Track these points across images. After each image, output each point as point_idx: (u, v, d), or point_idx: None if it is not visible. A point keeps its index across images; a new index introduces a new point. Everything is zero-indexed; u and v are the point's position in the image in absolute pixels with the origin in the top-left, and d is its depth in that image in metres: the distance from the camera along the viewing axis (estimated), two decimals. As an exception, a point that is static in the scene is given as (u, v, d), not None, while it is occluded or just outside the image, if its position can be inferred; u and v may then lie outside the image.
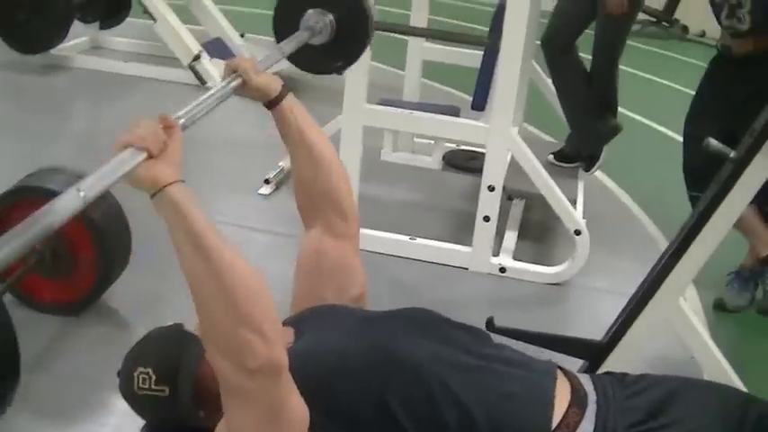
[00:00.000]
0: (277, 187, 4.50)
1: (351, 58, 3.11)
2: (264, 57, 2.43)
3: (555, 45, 4.24)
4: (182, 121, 1.76)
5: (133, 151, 1.56)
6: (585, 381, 1.83)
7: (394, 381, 1.69)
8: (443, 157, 4.43)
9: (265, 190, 4.44)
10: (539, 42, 4.34)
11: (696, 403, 1.76)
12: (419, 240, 3.87)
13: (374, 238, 3.87)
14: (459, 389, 1.69)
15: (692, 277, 2.39)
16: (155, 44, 6.61)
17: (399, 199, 4.58)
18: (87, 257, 3.15)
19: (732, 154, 2.26)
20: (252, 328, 1.54)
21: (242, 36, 6.78)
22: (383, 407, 1.67)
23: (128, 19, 6.89)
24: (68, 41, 6.62)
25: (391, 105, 3.95)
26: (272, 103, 2.09)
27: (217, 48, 6.45)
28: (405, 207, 4.48)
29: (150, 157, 1.57)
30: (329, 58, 3.02)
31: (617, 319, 2.46)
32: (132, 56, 6.78)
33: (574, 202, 3.94)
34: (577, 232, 3.64)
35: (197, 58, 6.14)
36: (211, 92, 2.02)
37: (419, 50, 4.81)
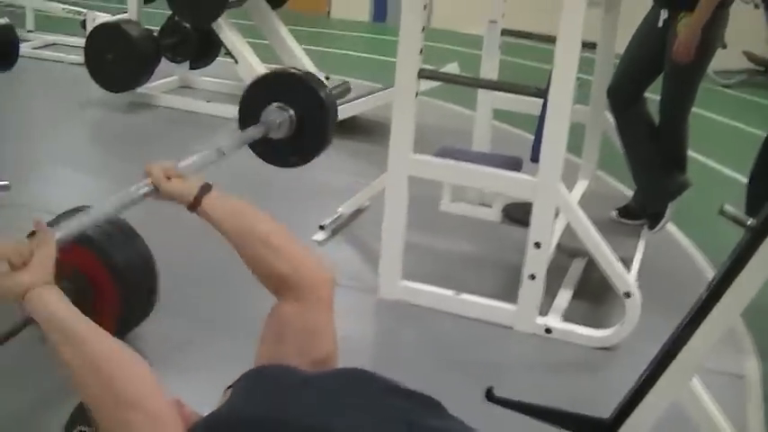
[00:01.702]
0: (332, 234, 4.43)
1: (307, 155, 3.15)
2: (201, 155, 2.47)
3: (620, 96, 4.07)
4: (59, 234, 1.92)
5: None
6: None
7: None
8: (503, 210, 4.27)
9: (320, 236, 4.37)
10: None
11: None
12: (464, 296, 3.73)
13: (418, 291, 3.77)
14: None
15: (705, 356, 2.19)
16: (240, 84, 6.63)
17: (451, 251, 4.45)
18: (109, 299, 3.13)
19: (750, 221, 2.07)
20: (135, 408, 1.51)
21: (327, 78, 6.74)
22: None
23: (218, 59, 6.97)
24: (159, 80, 6.74)
25: (449, 156, 3.83)
26: (190, 207, 2.08)
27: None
28: (455, 260, 4.35)
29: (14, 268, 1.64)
30: (287, 152, 3.04)
31: (625, 396, 2.28)
32: (217, 95, 6.84)
33: (631, 261, 3.75)
34: (627, 294, 3.45)
35: (276, 100, 6.12)
36: (117, 197, 2.09)
37: (489, 98, 4.69)
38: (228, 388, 1.90)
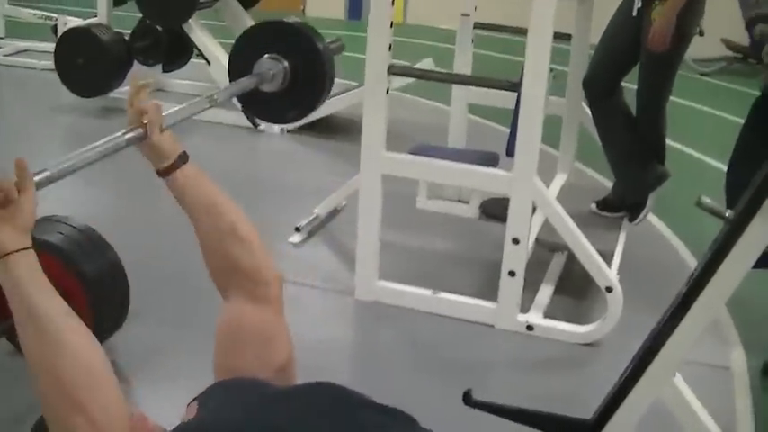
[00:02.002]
0: (308, 236, 4.35)
1: (305, 108, 2.97)
2: (192, 103, 2.30)
3: (595, 86, 3.99)
4: (45, 174, 1.78)
5: None
6: None
7: None
8: (481, 206, 4.20)
9: (296, 238, 4.29)
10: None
11: None
12: (443, 295, 3.66)
13: (395, 291, 3.71)
14: None
15: (688, 351, 2.12)
16: (214, 86, 6.55)
17: (429, 249, 4.38)
18: (80, 310, 3.03)
19: (728, 213, 2.00)
20: (78, 410, 1.46)
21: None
22: None
23: (192, 61, 6.89)
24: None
25: (424, 153, 3.75)
26: (165, 171, 1.95)
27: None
28: (433, 258, 4.28)
29: None
30: (282, 107, 2.89)
31: (607, 395, 2.22)
32: (190, 98, 6.69)
33: (611, 255, 3.69)
34: (608, 289, 3.39)
35: (250, 100, 6.04)
36: (102, 141, 1.92)
37: (463, 93, 4.63)
38: (193, 401, 1.83)
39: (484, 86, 4.08)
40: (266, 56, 2.95)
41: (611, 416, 2.17)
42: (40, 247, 2.98)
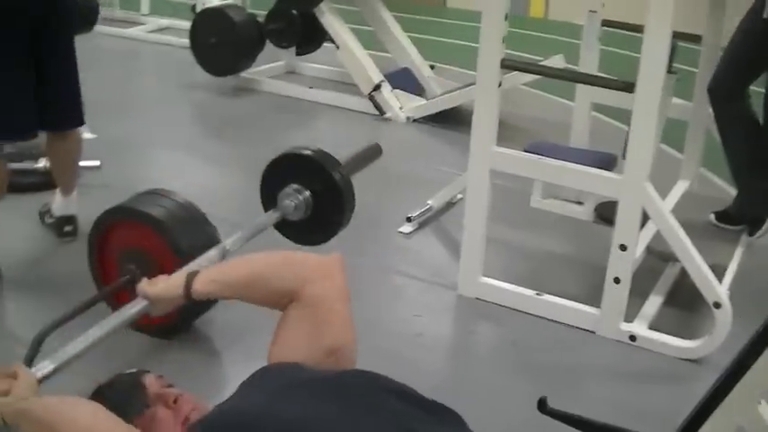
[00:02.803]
0: (419, 227, 4.32)
1: (328, 233, 3.13)
2: (204, 257, 2.69)
3: (720, 91, 3.83)
4: (43, 371, 2.10)
5: None
6: None
7: None
8: (596, 209, 4.08)
9: (406, 228, 4.26)
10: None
11: None
12: (546, 297, 3.57)
13: (497, 289, 3.64)
14: None
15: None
16: (343, 71, 6.58)
17: (537, 249, 4.28)
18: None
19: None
20: None
21: (432, 68, 6.63)
22: None
23: (325, 45, 6.92)
24: (265, 65, 6.74)
25: (539, 151, 3.66)
26: (187, 297, 2.20)
27: (401, 78, 6.34)
28: (541, 258, 4.18)
29: None
30: (309, 232, 3.05)
31: (687, 417, 2.11)
32: (320, 82, 6.79)
33: (724, 270, 3.53)
34: (717, 305, 3.23)
35: (377, 88, 6.06)
36: (104, 322, 2.34)
37: (587, 92, 4.49)
38: (242, 384, 1.94)
39: (597, 85, 3.94)
40: (291, 186, 3.16)
41: (691, 437, 2.06)
42: (141, 219, 3.08)
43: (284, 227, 3.17)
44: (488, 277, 3.68)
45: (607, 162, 3.79)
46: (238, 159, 5.21)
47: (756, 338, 1.95)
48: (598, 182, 3.39)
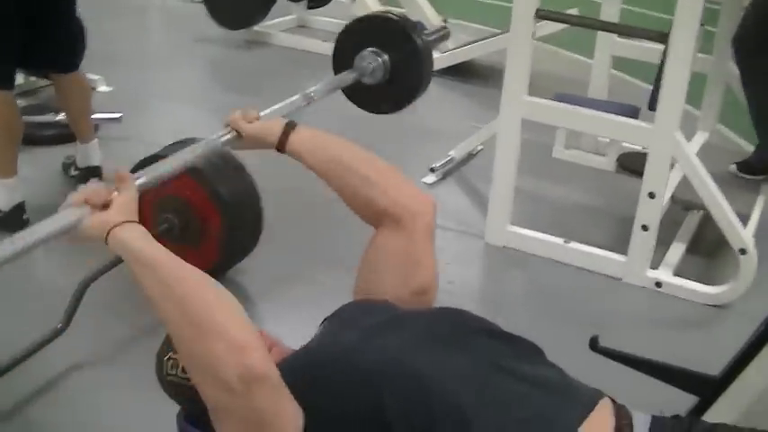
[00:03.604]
0: (443, 177, 4.38)
1: (400, 102, 3.09)
2: (288, 102, 2.42)
3: (746, 45, 3.88)
4: (140, 180, 1.85)
5: (73, 209, 1.66)
6: (641, 422, 1.59)
7: (397, 389, 1.52)
8: (618, 159, 4.15)
9: (430, 179, 4.32)
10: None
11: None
12: (573, 244, 3.65)
13: (525, 237, 3.72)
14: (465, 405, 1.50)
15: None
16: (356, 25, 6.59)
17: (562, 199, 4.36)
18: (214, 230, 3.14)
19: None
20: (215, 337, 1.48)
21: (445, 21, 6.64)
22: (379, 413, 1.51)
23: (335, -2, 6.94)
24: (276, 19, 6.75)
25: (564, 101, 3.72)
26: (279, 147, 2.03)
27: (415, 32, 6.35)
28: (566, 208, 4.26)
29: (96, 210, 1.66)
30: (381, 98, 3.01)
31: (737, 353, 2.18)
32: (331, 35, 6.75)
33: (748, 218, 3.61)
34: (743, 251, 3.32)
35: (392, 41, 6.06)
36: (194, 146, 2.11)
37: (608, 44, 4.55)
38: (324, 321, 1.89)
39: (634, 36, 4.02)
40: (368, 50, 3.02)
41: (738, 374, 2.14)
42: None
43: (357, 91, 3.07)
44: (516, 226, 3.74)
45: (632, 113, 3.85)
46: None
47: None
48: (629, 130, 3.46)
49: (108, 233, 1.62)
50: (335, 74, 3.03)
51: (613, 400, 1.62)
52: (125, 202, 1.68)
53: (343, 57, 3.05)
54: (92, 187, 1.69)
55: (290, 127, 2.02)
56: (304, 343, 1.77)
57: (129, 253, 1.60)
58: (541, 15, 3.41)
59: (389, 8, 6.23)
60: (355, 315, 1.81)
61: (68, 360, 2.82)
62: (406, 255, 1.93)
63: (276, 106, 2.37)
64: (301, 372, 1.61)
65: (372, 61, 3.00)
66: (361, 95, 3.06)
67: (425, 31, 3.39)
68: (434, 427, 1.49)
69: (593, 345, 2.26)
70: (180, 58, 6.27)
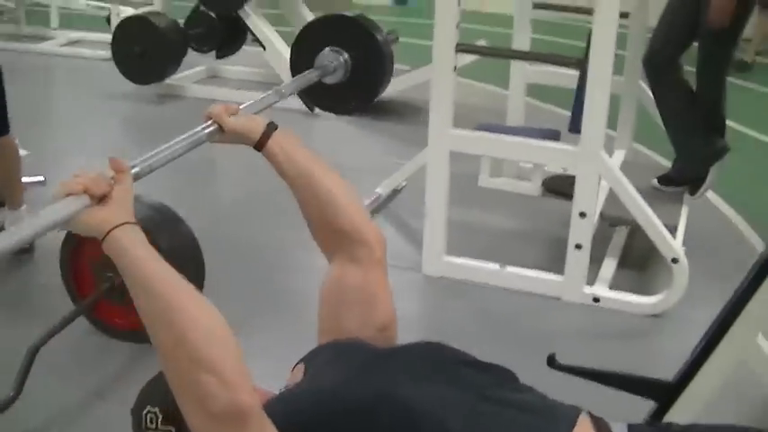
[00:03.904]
0: (372, 214, 4.42)
1: (365, 99, 3.07)
2: (260, 99, 2.42)
3: (656, 63, 4.03)
4: (136, 168, 1.82)
5: (73, 198, 1.58)
6: (620, 431, 1.66)
7: (388, 425, 1.56)
8: (543, 183, 4.27)
9: (360, 217, 4.36)
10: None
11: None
12: (510, 269, 3.73)
13: (463, 266, 3.78)
14: None
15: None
16: (267, 72, 6.65)
17: (493, 226, 4.45)
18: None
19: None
20: (208, 370, 1.46)
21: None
22: None
23: (244, 47, 6.98)
24: (186, 71, 6.76)
25: (488, 130, 3.82)
26: (257, 146, 2.01)
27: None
28: (498, 234, 4.35)
29: (94, 201, 1.59)
30: (344, 97, 2.97)
31: (690, 356, 2.27)
32: (245, 83, 6.86)
33: (675, 228, 3.74)
34: (674, 260, 3.44)
35: (305, 84, 6.12)
36: (180, 138, 2.04)
37: (522, 73, 4.68)
38: (299, 363, 1.90)
39: (551, 63, 4.14)
40: (327, 49, 3.03)
41: (693, 376, 2.22)
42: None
43: (319, 91, 3.10)
44: (451, 256, 3.82)
45: (554, 136, 3.97)
46: (176, 163, 5.24)
47: (753, 275, 2.10)
48: (557, 154, 3.57)
49: (108, 233, 1.56)
50: (293, 75, 3.02)
51: (591, 414, 1.69)
52: (123, 197, 1.64)
53: (301, 59, 3.03)
54: (91, 176, 1.62)
55: (271, 128, 2.01)
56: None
57: (129, 261, 1.55)
58: (462, 49, 3.51)
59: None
60: (334, 356, 1.82)
61: (21, 428, 2.79)
62: (363, 290, 1.94)
63: (250, 101, 2.36)
64: (289, 418, 1.62)
65: (333, 60, 3.05)
66: (325, 97, 3.06)
67: (381, 29, 3.41)
68: None
69: (551, 362, 2.32)
70: (94, 116, 6.23)
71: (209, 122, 2.04)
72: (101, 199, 1.61)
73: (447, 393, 1.63)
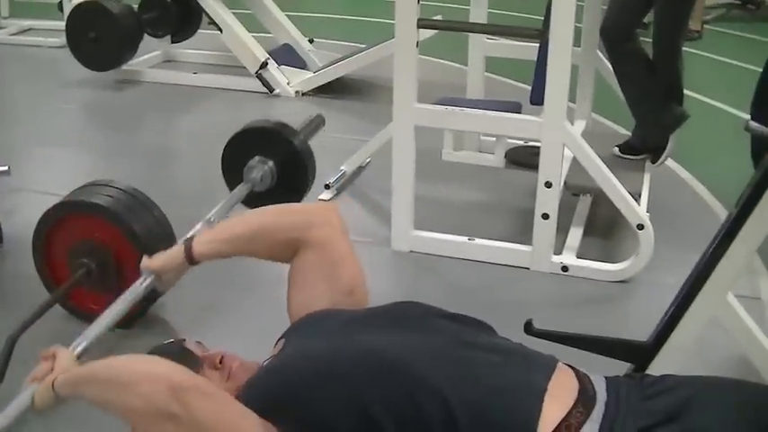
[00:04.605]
0: (338, 192, 4.44)
1: (295, 198, 3.42)
2: (194, 231, 2.65)
3: (613, 33, 4.07)
4: (78, 348, 2.22)
5: (26, 392, 1.95)
6: (598, 381, 1.72)
7: (375, 383, 1.62)
8: (506, 155, 4.30)
9: (326, 195, 4.38)
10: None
11: (719, 408, 1.61)
12: (478, 241, 3.77)
13: (432, 240, 3.81)
14: (442, 384, 1.60)
15: (739, 271, 2.23)
16: (224, 54, 6.63)
17: (459, 199, 4.49)
18: (132, 270, 3.12)
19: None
20: (143, 381, 1.62)
21: (311, 41, 6.75)
22: (364, 412, 1.59)
23: (199, 31, 6.95)
24: (141, 56, 6.71)
25: (449, 104, 3.84)
26: (192, 263, 2.31)
27: (285, 55, 6.44)
28: (465, 207, 4.38)
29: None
30: (276, 201, 3.21)
31: (663, 317, 2.32)
32: (202, 67, 6.82)
33: (639, 196, 3.79)
34: (640, 227, 3.50)
35: (264, 65, 6.13)
36: (120, 299, 2.45)
37: (480, 47, 4.70)
38: (279, 339, 1.96)
39: (512, 35, 4.18)
40: (255, 158, 3.37)
41: (667, 337, 2.28)
42: (91, 210, 3.09)
43: (252, 200, 3.29)
44: (420, 230, 3.84)
45: (515, 108, 4.00)
46: (139, 148, 5.27)
47: (722, 235, 2.15)
48: (521, 125, 3.60)
49: (53, 388, 1.87)
50: (225, 180, 3.41)
51: (569, 365, 1.74)
52: (60, 365, 1.96)
53: (231, 171, 3.38)
54: (34, 372, 1.97)
55: (188, 242, 2.26)
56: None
57: (71, 382, 1.85)
58: (424, 25, 3.53)
59: (258, 34, 6.35)
60: (309, 327, 1.91)
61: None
62: (324, 262, 2.11)
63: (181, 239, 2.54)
64: (276, 391, 1.68)
65: (260, 170, 3.30)
66: (257, 203, 3.26)
67: (301, 125, 3.68)
68: (419, 411, 1.58)
69: (528, 328, 2.37)
70: (52, 104, 6.15)
71: (145, 275, 2.39)
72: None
73: (431, 344, 1.71)
